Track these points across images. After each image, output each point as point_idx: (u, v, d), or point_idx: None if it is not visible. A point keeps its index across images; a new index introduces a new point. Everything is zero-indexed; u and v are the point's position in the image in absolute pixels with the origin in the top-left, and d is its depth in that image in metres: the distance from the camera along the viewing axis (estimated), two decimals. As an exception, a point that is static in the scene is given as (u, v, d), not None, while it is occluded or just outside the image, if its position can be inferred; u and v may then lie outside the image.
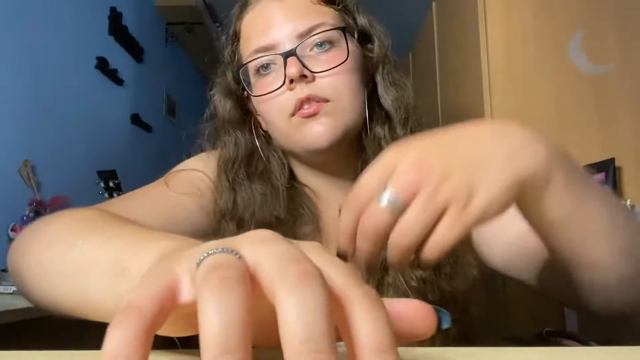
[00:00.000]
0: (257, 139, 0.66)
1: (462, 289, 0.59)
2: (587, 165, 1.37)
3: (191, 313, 0.19)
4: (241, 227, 0.61)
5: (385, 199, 0.32)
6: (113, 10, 2.36)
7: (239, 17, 0.65)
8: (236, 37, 0.66)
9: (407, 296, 0.56)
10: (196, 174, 0.64)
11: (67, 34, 1.99)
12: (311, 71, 0.58)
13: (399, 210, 0.32)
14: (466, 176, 0.33)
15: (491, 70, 1.50)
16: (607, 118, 1.44)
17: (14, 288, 1.18)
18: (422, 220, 0.32)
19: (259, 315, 0.19)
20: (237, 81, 0.65)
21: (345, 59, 0.59)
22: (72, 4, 2.03)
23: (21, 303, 1.03)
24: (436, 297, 0.57)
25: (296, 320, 0.17)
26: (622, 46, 1.46)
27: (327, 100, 0.58)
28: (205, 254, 0.20)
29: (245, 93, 0.65)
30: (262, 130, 0.66)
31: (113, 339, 0.17)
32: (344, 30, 0.61)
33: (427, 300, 0.24)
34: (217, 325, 0.17)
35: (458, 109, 1.77)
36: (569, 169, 0.37)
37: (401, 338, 0.22)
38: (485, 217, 0.33)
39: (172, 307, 0.20)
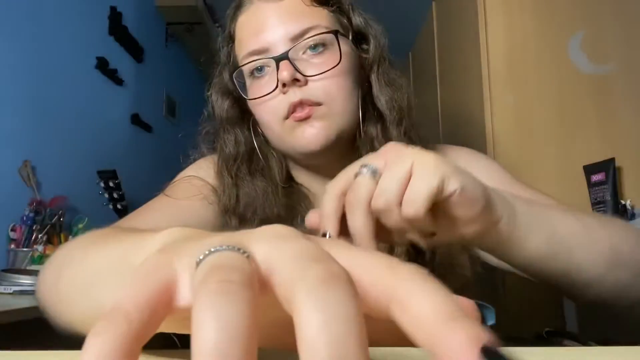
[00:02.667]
0: (255, 137, 0.66)
1: (455, 290, 0.59)
2: (587, 165, 1.37)
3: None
4: (244, 222, 0.62)
5: (364, 171, 0.36)
6: (113, 10, 2.35)
7: (233, 18, 0.65)
8: (231, 39, 0.66)
9: None
10: (194, 181, 0.65)
11: (67, 34, 1.99)
12: (303, 75, 0.57)
13: (378, 175, 0.36)
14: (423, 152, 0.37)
15: (491, 70, 1.50)
16: (607, 118, 1.43)
17: (14, 288, 1.18)
18: (395, 174, 0.35)
19: (271, 316, 0.17)
20: (234, 81, 0.65)
21: (337, 62, 0.58)
22: (72, 4, 2.03)
23: (21, 303, 1.03)
24: None
25: (317, 335, 0.13)
26: (622, 46, 1.45)
27: (319, 104, 0.58)
28: (207, 251, 0.17)
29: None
30: (261, 129, 0.66)
31: (92, 349, 0.14)
32: (337, 33, 0.60)
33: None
34: (211, 340, 0.13)
35: (458, 109, 1.77)
36: (514, 206, 0.41)
37: None
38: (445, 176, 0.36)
39: (166, 312, 0.17)
